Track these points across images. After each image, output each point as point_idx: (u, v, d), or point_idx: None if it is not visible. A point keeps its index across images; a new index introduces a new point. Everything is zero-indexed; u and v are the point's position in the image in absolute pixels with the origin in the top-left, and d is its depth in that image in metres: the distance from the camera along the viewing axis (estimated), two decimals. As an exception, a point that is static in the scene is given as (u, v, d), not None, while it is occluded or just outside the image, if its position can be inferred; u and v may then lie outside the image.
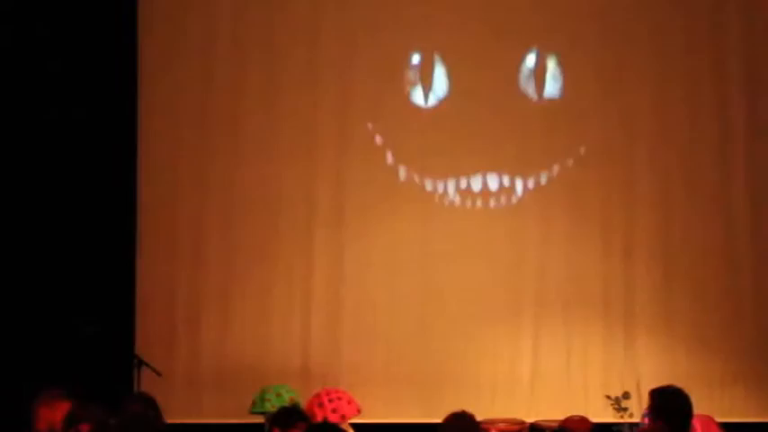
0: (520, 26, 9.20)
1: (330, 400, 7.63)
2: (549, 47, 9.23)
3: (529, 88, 9.24)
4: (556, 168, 9.21)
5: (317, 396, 7.70)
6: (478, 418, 5.43)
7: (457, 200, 9.21)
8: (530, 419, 8.68)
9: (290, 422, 5.56)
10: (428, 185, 9.20)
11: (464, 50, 9.17)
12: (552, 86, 9.25)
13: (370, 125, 9.19)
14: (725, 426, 8.22)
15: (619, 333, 9.09)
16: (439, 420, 4.93)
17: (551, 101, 9.25)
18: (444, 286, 9.07)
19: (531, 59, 9.24)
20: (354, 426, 7.56)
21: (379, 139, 9.21)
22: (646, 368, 8.98)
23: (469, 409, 5.29)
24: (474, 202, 9.21)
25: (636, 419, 8.05)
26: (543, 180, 9.21)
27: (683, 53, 9.21)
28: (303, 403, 8.00)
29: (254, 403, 8.16)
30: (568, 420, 8.36)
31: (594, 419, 8.52)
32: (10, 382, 8.12)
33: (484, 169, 9.20)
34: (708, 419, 8.22)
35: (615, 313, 9.10)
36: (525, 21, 9.20)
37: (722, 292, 9.16)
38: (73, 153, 8.74)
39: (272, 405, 7.68)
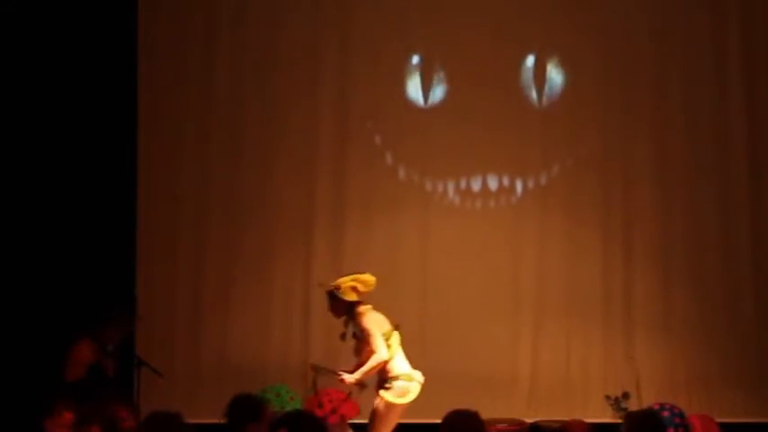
0: (520, 27, 9.20)
1: (330, 401, 7.63)
2: (548, 48, 9.24)
3: (528, 89, 9.24)
4: (555, 169, 9.21)
5: (317, 396, 7.70)
6: (478, 418, 5.42)
7: (457, 200, 9.21)
8: (530, 419, 8.69)
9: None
10: (428, 185, 9.20)
11: (464, 51, 9.17)
12: (552, 87, 9.25)
13: (370, 125, 9.20)
14: (725, 426, 8.25)
15: (618, 333, 9.08)
16: (439, 420, 4.91)
17: (551, 101, 9.25)
18: (444, 286, 9.07)
19: (530, 60, 9.25)
20: (354, 426, 7.56)
21: (378, 139, 9.21)
22: (645, 368, 8.97)
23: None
24: (474, 203, 9.21)
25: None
26: (543, 180, 9.21)
27: (684, 55, 9.22)
28: (303, 404, 8.02)
29: (253, 403, 8.15)
30: (565, 424, 8.40)
31: (594, 420, 8.53)
32: (10, 382, 8.13)
33: (484, 169, 9.21)
34: (708, 419, 8.25)
35: (615, 313, 9.10)
36: (525, 21, 9.20)
37: (722, 292, 9.16)
38: (73, 156, 8.74)
39: (271, 405, 7.67)
